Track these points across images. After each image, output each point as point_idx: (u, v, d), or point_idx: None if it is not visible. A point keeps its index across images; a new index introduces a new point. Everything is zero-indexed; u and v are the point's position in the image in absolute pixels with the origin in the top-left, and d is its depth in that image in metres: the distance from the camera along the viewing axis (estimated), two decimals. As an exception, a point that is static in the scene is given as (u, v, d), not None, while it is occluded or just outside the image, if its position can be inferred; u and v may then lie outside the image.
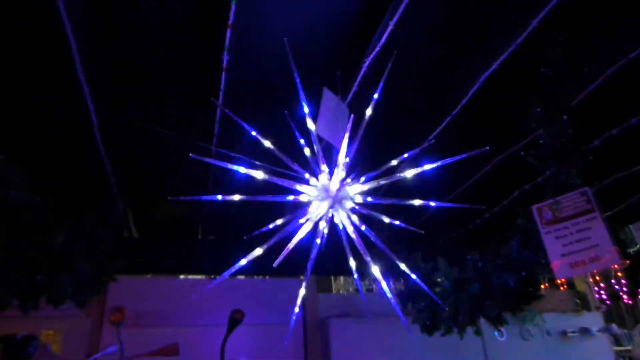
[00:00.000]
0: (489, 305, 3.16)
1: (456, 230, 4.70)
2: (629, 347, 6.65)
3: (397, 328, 5.49)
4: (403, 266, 2.99)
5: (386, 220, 3.07)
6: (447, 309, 3.24)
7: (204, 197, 2.86)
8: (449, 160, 2.70)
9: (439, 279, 3.34)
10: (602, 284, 7.16)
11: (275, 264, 2.40)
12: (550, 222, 2.75)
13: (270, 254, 2.87)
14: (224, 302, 5.07)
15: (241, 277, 5.96)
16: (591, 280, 6.78)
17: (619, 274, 7.17)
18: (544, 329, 5.83)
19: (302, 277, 5.95)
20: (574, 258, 2.57)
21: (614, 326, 6.08)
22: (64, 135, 3.48)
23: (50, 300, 2.77)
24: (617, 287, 7.23)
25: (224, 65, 2.94)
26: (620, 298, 7.28)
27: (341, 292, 7.44)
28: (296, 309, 2.80)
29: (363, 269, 3.10)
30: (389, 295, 2.67)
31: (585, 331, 5.97)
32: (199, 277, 5.81)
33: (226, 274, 2.49)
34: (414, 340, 5.39)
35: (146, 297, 5.07)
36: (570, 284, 6.73)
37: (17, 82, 2.96)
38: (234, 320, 2.16)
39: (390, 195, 2.98)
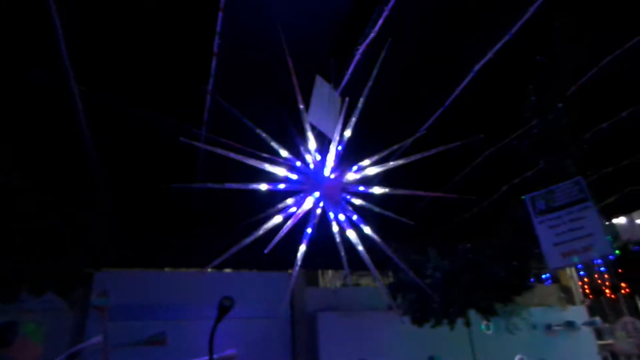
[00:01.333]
0: (480, 296, 3.16)
1: (448, 221, 4.71)
2: (610, 341, 6.77)
3: (385, 321, 5.53)
4: (395, 257, 2.97)
5: (377, 210, 3.05)
6: (438, 300, 3.23)
7: (194, 185, 2.80)
8: (441, 148, 2.69)
9: (429, 271, 3.33)
10: (586, 279, 7.27)
11: (266, 251, 2.36)
12: (543, 212, 2.75)
13: (259, 247, 2.83)
14: (212, 295, 4.99)
15: (228, 270, 5.90)
16: (575, 274, 6.87)
17: (602, 269, 7.29)
18: (530, 323, 5.88)
19: (290, 271, 5.91)
20: (567, 247, 2.57)
21: (598, 319, 6.17)
22: (48, 121, 3.38)
23: (32, 290, 2.68)
24: (600, 281, 7.35)
25: (215, 50, 2.87)
26: (604, 292, 7.41)
27: (328, 286, 7.43)
28: (287, 299, 2.76)
29: (354, 259, 3.07)
30: (382, 285, 2.64)
31: (570, 325, 6.05)
32: (186, 270, 5.73)
33: (217, 262, 2.44)
34: (401, 334, 5.41)
35: (132, 290, 4.97)
36: (556, 279, 6.81)
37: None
38: (224, 308, 2.09)
39: (382, 185, 2.96)
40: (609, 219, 5.27)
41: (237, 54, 2.99)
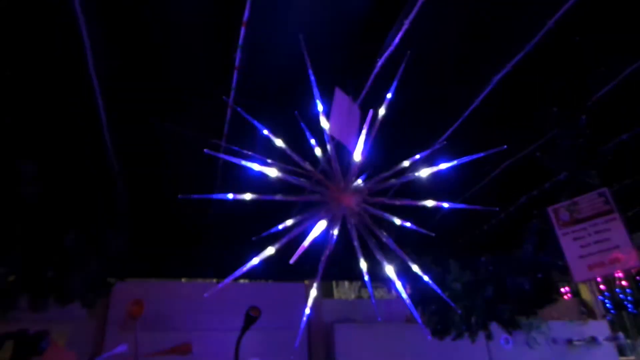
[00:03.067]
0: (503, 308, 3.11)
1: (469, 232, 4.66)
2: (632, 358, 6.59)
3: (402, 334, 5.47)
4: (415, 268, 2.95)
5: (397, 221, 3.03)
6: (459, 312, 3.19)
7: (214, 196, 2.82)
8: (463, 159, 2.68)
9: (450, 282, 3.30)
10: (607, 293, 7.13)
11: (291, 261, 2.36)
12: (567, 224, 2.71)
13: (274, 257, 2.83)
14: (227, 306, 5.01)
15: (244, 281, 5.90)
16: (596, 289, 6.74)
17: (624, 282, 7.15)
18: (550, 337, 5.76)
19: (306, 282, 5.90)
20: (593, 259, 2.53)
21: (622, 335, 6.02)
22: (71, 132, 3.45)
23: (59, 299, 2.72)
24: (621, 296, 7.20)
25: (237, 63, 2.92)
26: (625, 307, 7.25)
27: (343, 297, 7.39)
28: (307, 310, 2.75)
29: (374, 270, 3.05)
30: (404, 296, 2.62)
31: (591, 340, 5.91)
32: (202, 281, 5.76)
33: (237, 273, 2.44)
34: (419, 347, 5.35)
35: (149, 300, 5.00)
36: (576, 292, 6.68)
37: (25, 77, 2.93)
38: (250, 318, 2.11)
39: (401, 196, 2.95)
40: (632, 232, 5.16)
41: (257, 66, 3.04)
